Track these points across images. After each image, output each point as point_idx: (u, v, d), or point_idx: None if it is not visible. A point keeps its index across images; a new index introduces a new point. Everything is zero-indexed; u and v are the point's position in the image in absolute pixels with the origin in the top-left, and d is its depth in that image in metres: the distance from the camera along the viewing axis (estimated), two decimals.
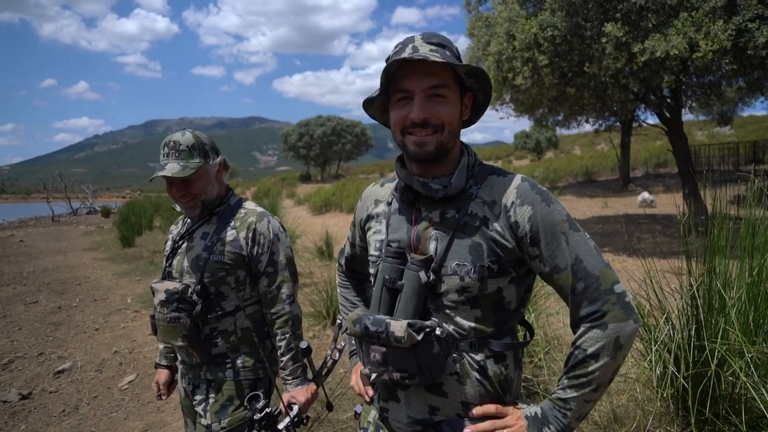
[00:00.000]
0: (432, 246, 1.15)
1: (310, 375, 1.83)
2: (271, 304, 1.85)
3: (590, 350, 1.06)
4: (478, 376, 1.14)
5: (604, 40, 7.47)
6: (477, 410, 1.15)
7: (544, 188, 1.16)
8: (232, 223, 1.85)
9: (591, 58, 8.07)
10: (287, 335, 1.81)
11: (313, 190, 24.89)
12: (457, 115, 1.16)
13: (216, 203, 1.88)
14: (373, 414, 1.33)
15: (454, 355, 1.13)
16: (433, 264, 1.13)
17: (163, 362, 2.09)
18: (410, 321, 1.08)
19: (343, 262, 1.58)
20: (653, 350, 2.60)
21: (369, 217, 1.35)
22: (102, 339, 5.67)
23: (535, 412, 1.13)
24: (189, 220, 1.92)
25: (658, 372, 2.61)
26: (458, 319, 1.14)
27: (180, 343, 1.78)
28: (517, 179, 1.16)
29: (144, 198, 26.42)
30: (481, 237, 1.12)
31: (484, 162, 1.26)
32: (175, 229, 1.99)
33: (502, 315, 1.16)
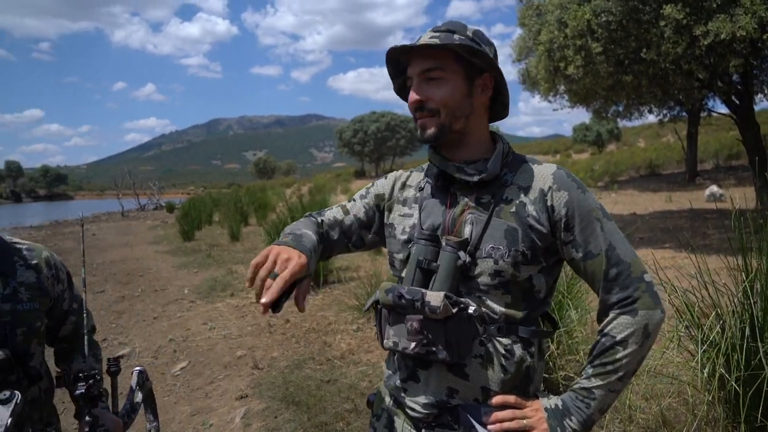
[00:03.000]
0: (467, 229, 1.16)
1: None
2: (77, 340, 1.57)
3: (619, 336, 1.07)
4: (503, 362, 1.13)
5: (662, 23, 7.09)
6: (497, 399, 1.14)
7: (578, 178, 1.17)
8: (21, 262, 1.45)
9: (649, 43, 7.67)
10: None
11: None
12: (459, 96, 1.16)
13: None
14: (387, 400, 1.32)
15: (482, 337, 1.13)
16: (468, 246, 1.14)
17: None
18: (447, 293, 1.08)
19: (321, 218, 1.37)
20: (701, 350, 2.46)
21: (392, 199, 1.35)
22: (159, 327, 5.97)
23: (556, 404, 1.12)
24: None
25: (705, 374, 2.46)
26: (489, 302, 1.14)
27: None
28: (553, 167, 1.18)
29: (205, 194, 27.52)
30: (517, 221, 1.13)
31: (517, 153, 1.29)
32: None
33: (531, 303, 1.16)
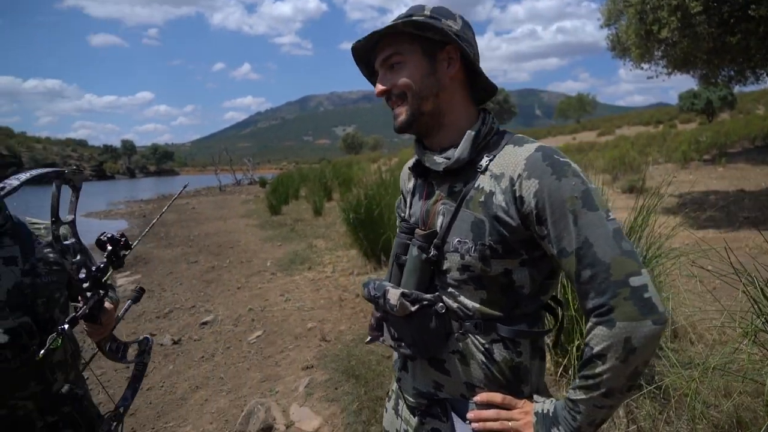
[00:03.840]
0: (439, 221, 1.11)
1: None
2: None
3: (596, 349, 0.94)
4: (483, 359, 1.08)
5: None
6: (480, 397, 1.09)
7: (564, 159, 1.02)
8: (39, 241, 1.58)
9: None
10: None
11: None
12: (420, 75, 1.10)
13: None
14: (394, 385, 1.35)
15: (457, 333, 1.09)
16: (435, 240, 1.09)
17: None
18: (405, 291, 1.07)
19: None
20: None
21: (404, 191, 1.35)
22: (241, 297, 6.36)
23: (547, 410, 1.04)
24: None
25: None
26: (462, 298, 1.08)
27: (24, 395, 1.46)
28: (530, 148, 1.04)
29: (295, 170, 28.57)
30: (485, 213, 1.04)
31: (512, 131, 1.15)
32: None
33: (513, 299, 1.07)
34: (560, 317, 1.18)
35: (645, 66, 9.35)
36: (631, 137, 24.52)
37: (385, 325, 1.15)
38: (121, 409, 1.60)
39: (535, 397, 1.10)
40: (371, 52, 1.17)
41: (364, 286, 1.16)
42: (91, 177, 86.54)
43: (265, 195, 17.27)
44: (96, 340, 1.50)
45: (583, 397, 0.97)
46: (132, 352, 1.68)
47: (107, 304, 1.50)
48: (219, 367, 4.32)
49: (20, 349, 1.41)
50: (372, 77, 1.24)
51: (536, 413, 1.05)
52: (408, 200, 1.27)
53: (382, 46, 1.13)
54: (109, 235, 1.44)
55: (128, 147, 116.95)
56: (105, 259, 1.43)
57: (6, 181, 1.33)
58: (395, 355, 1.32)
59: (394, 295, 1.06)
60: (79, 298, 1.45)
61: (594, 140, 31.78)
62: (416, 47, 1.10)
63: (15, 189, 1.33)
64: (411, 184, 1.29)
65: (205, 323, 5.48)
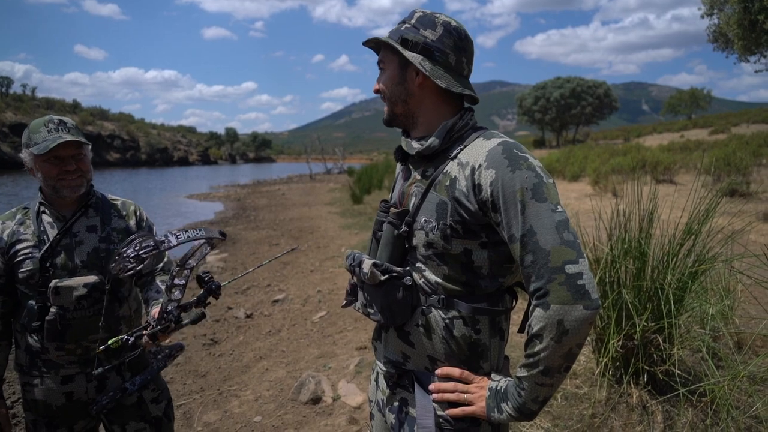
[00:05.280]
0: (412, 201, 1.23)
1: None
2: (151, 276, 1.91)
3: (534, 329, 1.04)
4: (443, 334, 1.17)
5: None
6: (440, 371, 1.19)
7: (522, 153, 1.10)
8: (115, 213, 1.88)
9: None
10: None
11: (542, 155, 24.08)
12: (392, 84, 1.26)
13: (89, 192, 1.83)
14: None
15: (423, 307, 1.19)
16: (407, 218, 1.21)
17: None
18: (377, 262, 1.19)
19: None
20: None
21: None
22: (312, 279, 6.71)
23: (501, 387, 1.14)
24: (48, 220, 1.77)
25: None
26: (427, 272, 1.18)
27: (95, 338, 1.71)
28: (494, 142, 1.13)
29: (384, 160, 29.04)
30: (448, 196, 1.14)
31: (485, 128, 1.24)
32: (27, 230, 1.75)
33: (472, 278, 1.16)
34: (528, 303, 1.24)
35: (752, 59, 8.52)
36: (747, 136, 22.34)
37: (360, 292, 1.28)
38: (128, 385, 1.77)
39: (493, 375, 1.19)
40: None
41: (345, 257, 1.30)
42: (197, 162, 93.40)
43: (350, 184, 17.81)
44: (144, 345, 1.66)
45: (526, 374, 1.07)
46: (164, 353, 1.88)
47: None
48: (283, 342, 4.65)
49: (94, 301, 1.69)
50: None
51: (490, 389, 1.15)
52: (394, 184, 1.39)
53: (382, 49, 1.30)
54: (207, 279, 1.59)
55: (231, 134, 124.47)
56: (195, 299, 1.59)
57: (168, 237, 1.53)
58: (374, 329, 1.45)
59: (366, 264, 1.19)
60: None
61: (704, 138, 29.30)
62: (394, 57, 1.25)
63: (171, 247, 1.53)
64: (398, 171, 1.41)
65: (276, 301, 5.87)
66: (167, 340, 1.73)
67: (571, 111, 51.81)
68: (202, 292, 1.59)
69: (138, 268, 1.49)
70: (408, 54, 1.19)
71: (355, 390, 3.47)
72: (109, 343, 1.45)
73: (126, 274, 1.48)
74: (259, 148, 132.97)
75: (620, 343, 2.69)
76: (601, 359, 2.79)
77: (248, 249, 9.12)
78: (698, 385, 2.42)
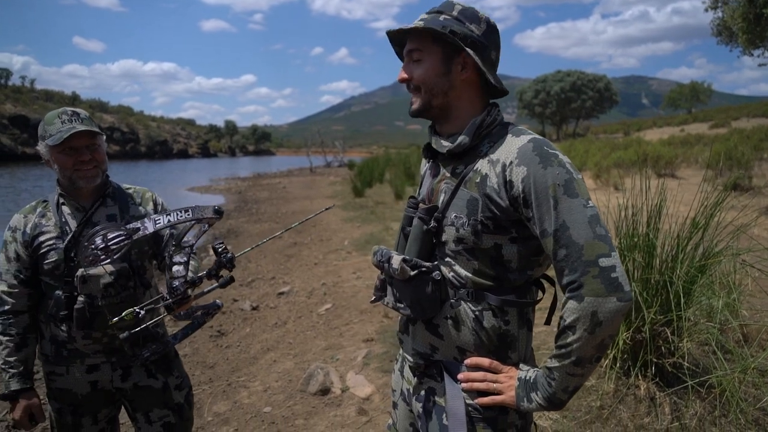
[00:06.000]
0: (441, 198, 1.24)
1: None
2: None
3: (567, 321, 1.07)
4: (473, 325, 1.20)
5: None
6: (470, 360, 1.22)
7: (552, 150, 1.12)
8: (132, 201, 1.91)
9: None
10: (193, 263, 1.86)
11: None
12: (434, 75, 1.22)
13: (105, 182, 1.86)
14: (401, 348, 1.49)
15: (452, 300, 1.21)
16: (436, 214, 1.22)
17: (28, 384, 1.79)
18: (406, 257, 1.20)
19: None
20: None
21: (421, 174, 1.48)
22: (317, 272, 6.74)
23: (529, 377, 1.16)
24: (68, 211, 1.80)
25: None
26: (457, 267, 1.21)
27: (121, 325, 1.64)
28: (525, 139, 1.15)
29: (384, 154, 29.03)
30: (479, 192, 1.16)
31: (519, 127, 1.25)
32: (48, 222, 1.79)
33: (502, 271, 1.18)
34: (554, 295, 1.27)
35: (756, 52, 8.51)
36: (747, 130, 22.36)
37: (389, 287, 1.29)
38: (170, 338, 1.76)
39: (521, 365, 1.22)
40: (405, 36, 1.29)
41: (373, 253, 1.31)
42: (197, 155, 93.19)
43: (351, 178, 17.82)
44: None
45: (557, 364, 1.10)
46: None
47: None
48: (289, 333, 4.68)
49: (121, 288, 1.72)
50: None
51: (519, 378, 1.18)
52: (421, 180, 1.40)
53: (411, 37, 1.25)
54: (221, 251, 1.56)
55: (230, 127, 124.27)
56: (205, 272, 1.58)
57: (145, 223, 1.52)
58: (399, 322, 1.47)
59: (396, 260, 1.20)
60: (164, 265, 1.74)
61: (704, 132, 29.31)
62: (437, 48, 1.22)
63: (147, 234, 1.53)
64: (425, 167, 1.42)
65: (281, 293, 5.90)
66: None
67: (571, 105, 51.78)
68: (213, 264, 1.59)
69: (108, 260, 1.49)
70: (468, 49, 1.19)
71: (364, 381, 3.50)
72: (123, 314, 1.46)
73: (98, 265, 1.49)
74: (259, 141, 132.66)
75: (629, 335, 2.72)
76: (609, 351, 2.82)
77: (251, 242, 9.14)
78: (707, 377, 2.45)
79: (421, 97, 1.25)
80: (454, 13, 1.22)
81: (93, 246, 1.48)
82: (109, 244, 1.49)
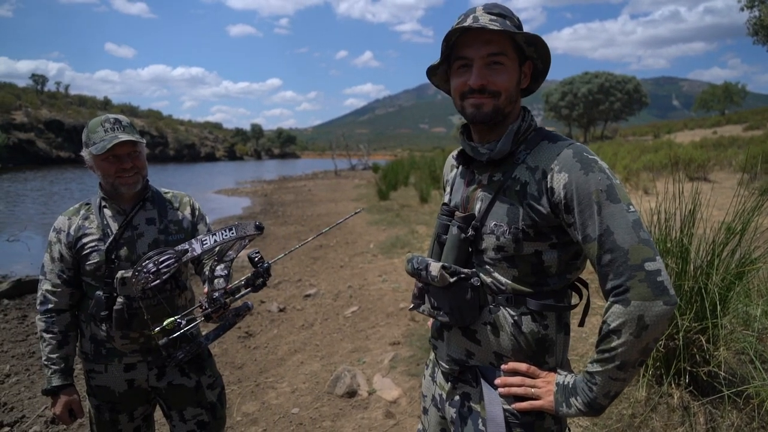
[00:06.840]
0: (477, 206, 1.24)
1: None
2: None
3: (612, 325, 1.06)
4: (512, 330, 1.19)
5: None
6: (507, 366, 1.21)
7: (592, 156, 1.12)
8: (170, 206, 1.96)
9: None
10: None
11: None
12: (514, 83, 1.20)
13: (145, 187, 1.91)
14: (431, 354, 1.49)
15: (491, 306, 1.21)
16: (474, 222, 1.22)
17: (69, 381, 1.85)
18: (445, 264, 1.20)
19: None
20: None
21: (446, 182, 1.48)
22: (343, 275, 6.77)
23: (568, 382, 1.16)
24: (109, 214, 1.85)
25: None
26: (496, 274, 1.21)
27: (159, 326, 1.65)
28: (563, 145, 1.16)
29: (408, 157, 29.03)
30: (520, 201, 1.16)
31: (550, 130, 1.25)
32: (91, 224, 1.84)
33: (542, 277, 1.18)
34: (587, 298, 1.27)
35: None
36: None
37: (426, 295, 1.29)
38: (202, 339, 1.76)
39: (559, 370, 1.22)
40: (459, 36, 1.20)
41: (408, 261, 1.30)
42: (224, 158, 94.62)
43: (376, 181, 17.86)
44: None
45: (600, 369, 1.09)
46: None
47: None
48: (316, 336, 4.71)
49: (158, 290, 1.77)
50: (447, 55, 1.26)
51: (557, 384, 1.17)
52: (449, 187, 1.40)
53: (483, 38, 1.16)
54: (257, 260, 1.59)
55: (256, 131, 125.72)
56: (243, 281, 1.61)
57: (193, 245, 1.56)
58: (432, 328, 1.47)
59: (435, 267, 1.20)
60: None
61: (738, 135, 28.53)
62: (516, 56, 1.20)
63: (195, 256, 1.55)
64: (453, 174, 1.41)
65: (308, 295, 5.94)
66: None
67: (599, 107, 50.98)
68: (250, 274, 1.62)
69: (156, 283, 1.52)
70: (532, 58, 1.21)
71: (391, 384, 3.51)
72: (164, 324, 1.49)
73: (147, 287, 1.53)
74: (284, 144, 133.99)
75: (662, 342, 2.67)
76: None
77: (278, 244, 9.24)
78: (744, 387, 2.38)
79: (498, 103, 1.19)
80: (516, 20, 1.21)
81: (145, 271, 1.52)
82: (160, 267, 1.53)
